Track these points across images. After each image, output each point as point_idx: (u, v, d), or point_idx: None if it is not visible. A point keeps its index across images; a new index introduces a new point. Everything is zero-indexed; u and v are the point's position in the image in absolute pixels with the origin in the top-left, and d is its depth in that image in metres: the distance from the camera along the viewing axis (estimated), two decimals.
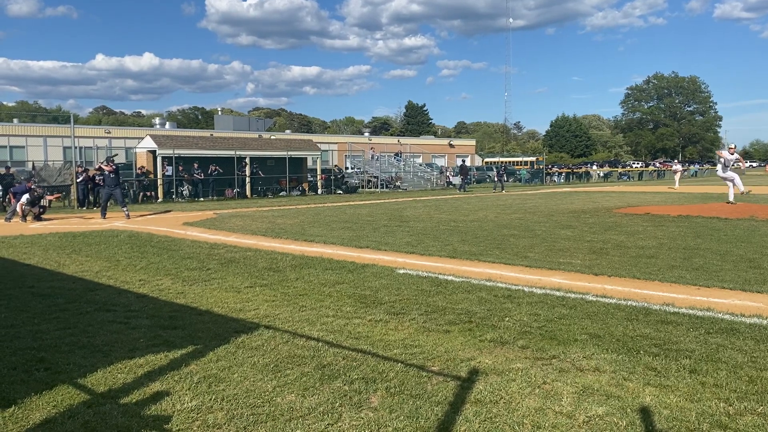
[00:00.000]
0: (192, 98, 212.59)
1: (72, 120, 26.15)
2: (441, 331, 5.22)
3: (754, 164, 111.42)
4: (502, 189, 34.34)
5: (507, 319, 5.56)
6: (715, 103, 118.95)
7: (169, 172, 27.58)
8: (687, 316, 5.51)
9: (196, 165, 28.39)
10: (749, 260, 8.48)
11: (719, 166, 18.97)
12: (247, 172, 30.63)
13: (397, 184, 40.12)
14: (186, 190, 28.07)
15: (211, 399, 3.77)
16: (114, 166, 17.54)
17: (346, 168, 46.84)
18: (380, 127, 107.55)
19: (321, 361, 4.44)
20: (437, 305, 6.15)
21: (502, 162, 54.22)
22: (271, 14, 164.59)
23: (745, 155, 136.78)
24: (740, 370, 4.09)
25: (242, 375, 4.19)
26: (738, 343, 4.68)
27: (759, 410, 3.46)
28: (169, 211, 20.56)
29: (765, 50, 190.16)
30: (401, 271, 8.08)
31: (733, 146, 19.50)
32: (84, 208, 22.09)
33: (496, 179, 36.37)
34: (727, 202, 17.62)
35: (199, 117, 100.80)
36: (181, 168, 28.00)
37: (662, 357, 4.39)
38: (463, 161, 38.81)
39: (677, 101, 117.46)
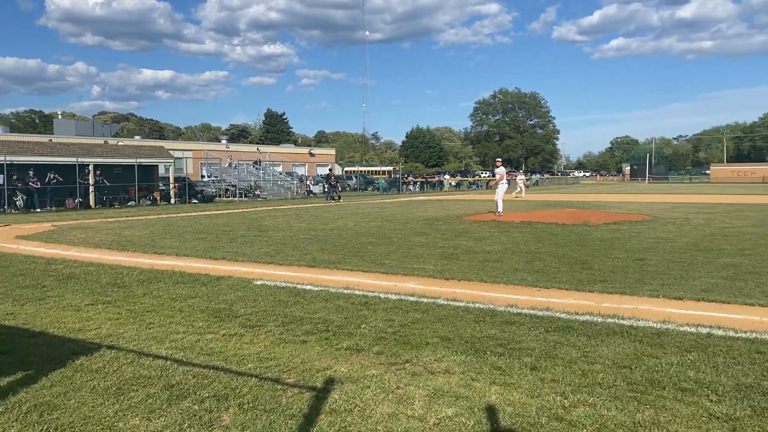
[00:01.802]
0: (29, 100, 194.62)
1: None
2: (298, 342, 5.16)
3: (587, 174, 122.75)
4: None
5: (363, 326, 5.62)
6: (554, 118, 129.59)
7: (0, 181, 24.96)
8: (529, 316, 5.89)
9: (31, 172, 25.95)
10: (582, 262, 9.26)
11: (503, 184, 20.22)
12: (91, 181, 28.55)
13: (257, 192, 39.37)
14: (20, 200, 25.56)
15: (42, 429, 3.43)
16: None
17: (202, 176, 45.23)
18: (238, 134, 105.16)
19: (169, 381, 4.21)
20: (295, 316, 6.08)
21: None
22: (119, 14, 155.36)
23: (579, 166, 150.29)
24: (574, 365, 4.44)
25: (80, 401, 3.85)
26: (573, 340, 5.08)
27: (590, 401, 3.76)
28: None
29: (596, 70, 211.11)
30: (258, 282, 7.90)
31: (499, 161, 21.51)
32: None
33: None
34: (500, 212, 19.13)
35: (37, 121, 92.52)
36: (14, 176, 25.45)
37: (506, 356, 4.66)
38: (330, 169, 38.75)
39: (520, 115, 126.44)
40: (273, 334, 5.43)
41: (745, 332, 5.19)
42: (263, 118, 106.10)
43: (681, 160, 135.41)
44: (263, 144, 73.90)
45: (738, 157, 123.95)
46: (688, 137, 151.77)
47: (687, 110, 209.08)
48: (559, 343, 4.99)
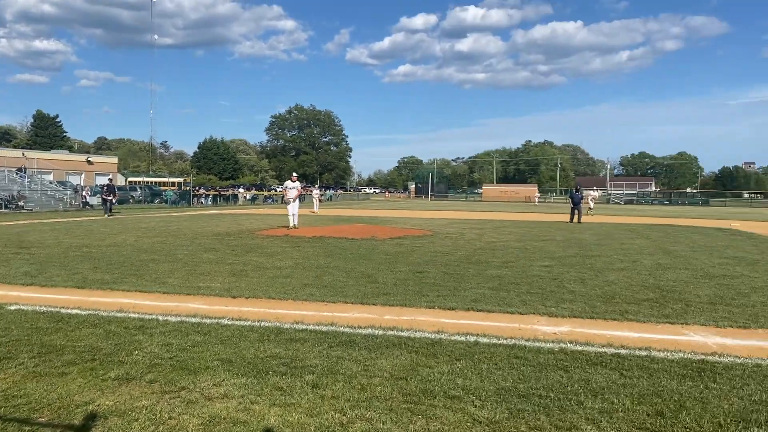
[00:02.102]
0: None
1: None
2: (56, 375, 4.57)
3: (377, 190, 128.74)
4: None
5: (136, 352, 5.17)
6: (347, 136, 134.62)
7: None
8: (314, 332, 5.90)
9: None
10: (368, 276, 9.57)
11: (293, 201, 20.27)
12: None
13: (20, 204, 34.94)
14: None
15: None
16: None
17: None
18: (0, 137, 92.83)
19: None
20: (54, 344, 5.40)
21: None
22: None
23: (370, 183, 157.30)
24: (354, 380, 4.51)
25: None
26: (354, 354, 5.17)
27: (367, 416, 3.83)
28: None
29: (385, 93, 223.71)
30: (13, 308, 6.93)
31: (295, 176, 21.58)
32: None
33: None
34: (292, 227, 19.47)
35: None
36: None
37: (289, 375, 4.58)
38: (110, 179, 35.54)
39: (315, 132, 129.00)
40: (26, 367, 4.76)
41: (506, 339, 5.72)
42: (32, 120, 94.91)
43: (459, 179, 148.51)
44: (30, 149, 65.99)
45: (505, 178, 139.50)
46: (464, 159, 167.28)
47: (464, 134, 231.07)
48: (342, 358, 5.05)
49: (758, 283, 9.24)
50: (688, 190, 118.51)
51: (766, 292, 8.45)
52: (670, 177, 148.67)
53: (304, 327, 6.12)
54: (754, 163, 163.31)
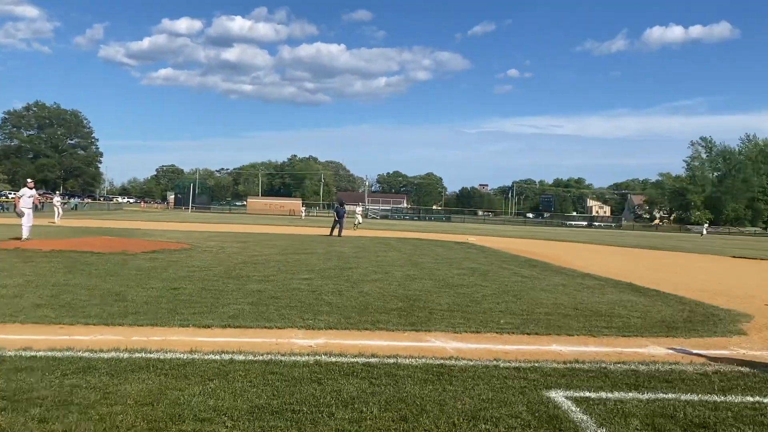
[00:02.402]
0: None
1: None
2: None
3: (132, 200, 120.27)
4: None
5: None
6: (97, 140, 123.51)
7: None
8: (45, 359, 5.21)
9: None
10: (116, 293, 8.79)
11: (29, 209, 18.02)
12: None
13: None
14: None
15: None
16: None
17: None
18: None
19: None
20: None
21: None
22: None
23: (124, 192, 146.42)
24: (92, 410, 4.06)
25: None
26: (93, 381, 4.67)
27: None
28: None
29: (144, 96, 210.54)
30: None
31: (31, 182, 19.42)
32: None
33: None
34: (25, 239, 17.35)
35: None
36: None
37: (9, 411, 3.97)
38: None
39: (59, 133, 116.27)
40: None
41: (262, 355, 5.65)
42: None
43: (223, 191, 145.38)
44: None
45: (271, 191, 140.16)
46: (229, 170, 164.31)
47: (229, 145, 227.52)
48: (78, 386, 4.53)
49: (488, 291, 10.46)
50: (434, 207, 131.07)
51: (495, 299, 9.60)
52: (420, 195, 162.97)
53: (33, 354, 5.38)
54: (487, 185, 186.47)
